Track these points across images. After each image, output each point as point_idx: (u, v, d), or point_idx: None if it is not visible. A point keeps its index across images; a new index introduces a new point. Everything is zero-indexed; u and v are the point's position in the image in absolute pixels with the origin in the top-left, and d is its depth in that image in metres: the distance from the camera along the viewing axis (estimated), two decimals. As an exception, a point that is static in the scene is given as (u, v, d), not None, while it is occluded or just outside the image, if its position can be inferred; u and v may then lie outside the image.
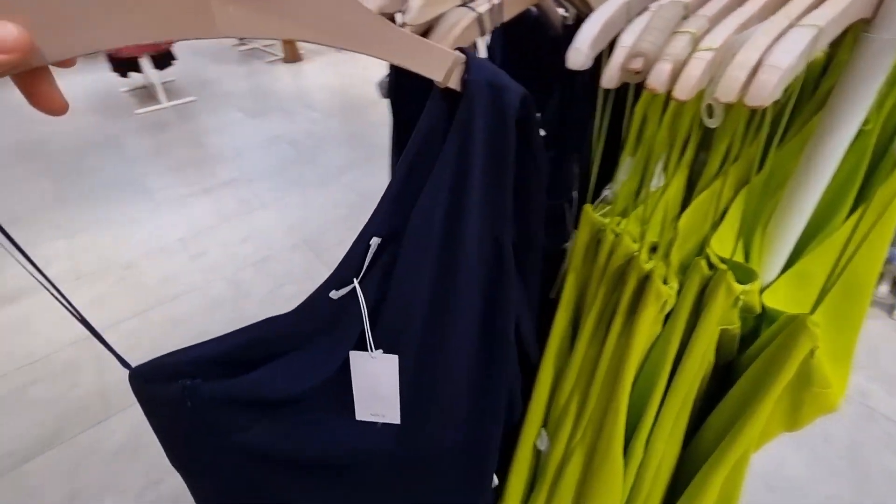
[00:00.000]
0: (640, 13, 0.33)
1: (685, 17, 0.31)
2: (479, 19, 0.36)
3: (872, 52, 0.33)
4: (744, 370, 0.45)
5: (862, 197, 0.42)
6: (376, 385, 0.39)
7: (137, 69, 3.44)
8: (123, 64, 3.39)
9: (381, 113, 3.14)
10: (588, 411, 0.53)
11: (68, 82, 4.10)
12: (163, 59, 3.47)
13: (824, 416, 0.44)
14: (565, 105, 0.56)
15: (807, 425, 0.45)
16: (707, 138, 0.47)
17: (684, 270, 0.46)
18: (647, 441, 0.50)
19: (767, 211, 0.45)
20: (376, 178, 2.45)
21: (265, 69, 4.25)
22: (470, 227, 0.35)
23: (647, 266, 0.41)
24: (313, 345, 0.36)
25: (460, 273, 0.37)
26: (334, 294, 0.34)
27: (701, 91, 0.30)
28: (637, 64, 0.29)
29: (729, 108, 0.42)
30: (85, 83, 4.06)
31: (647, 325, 0.43)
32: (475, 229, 0.36)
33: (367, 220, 0.33)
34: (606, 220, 0.46)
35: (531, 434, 0.63)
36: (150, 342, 1.55)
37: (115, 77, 3.59)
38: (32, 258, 0.29)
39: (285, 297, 1.72)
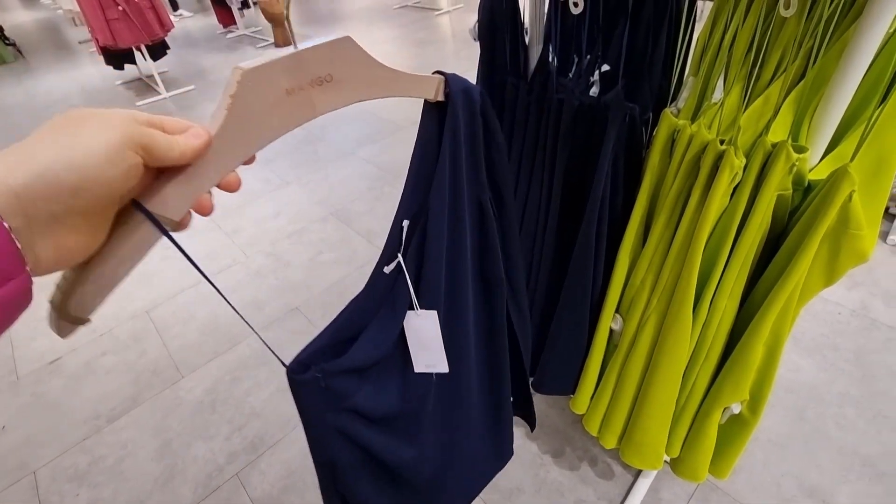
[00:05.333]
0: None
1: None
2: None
3: None
4: (791, 231, 0.57)
5: (889, 94, 0.53)
6: (424, 339, 0.48)
7: (133, 60, 3.44)
8: (118, 56, 3.39)
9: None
10: (662, 283, 0.65)
11: (61, 79, 4.08)
12: (158, 49, 3.47)
13: (857, 264, 0.56)
14: (631, 37, 0.66)
15: (842, 276, 0.57)
16: (763, 54, 0.57)
17: (746, 157, 0.57)
18: (712, 301, 0.62)
19: (812, 107, 0.56)
20: (394, 152, 2.54)
21: (258, 55, 4.24)
22: (465, 197, 0.46)
23: (721, 147, 0.53)
24: (381, 314, 0.46)
25: (461, 234, 0.48)
26: (386, 269, 0.44)
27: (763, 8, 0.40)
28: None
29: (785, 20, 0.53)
30: (79, 78, 4.04)
31: (720, 195, 0.55)
32: (467, 198, 0.47)
33: (396, 208, 0.44)
34: (682, 122, 0.57)
35: (607, 319, 0.75)
36: (206, 311, 1.65)
37: (108, 72, 3.57)
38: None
39: (324, 263, 1.82)
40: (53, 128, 0.22)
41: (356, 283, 1.72)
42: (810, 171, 0.56)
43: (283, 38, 4.36)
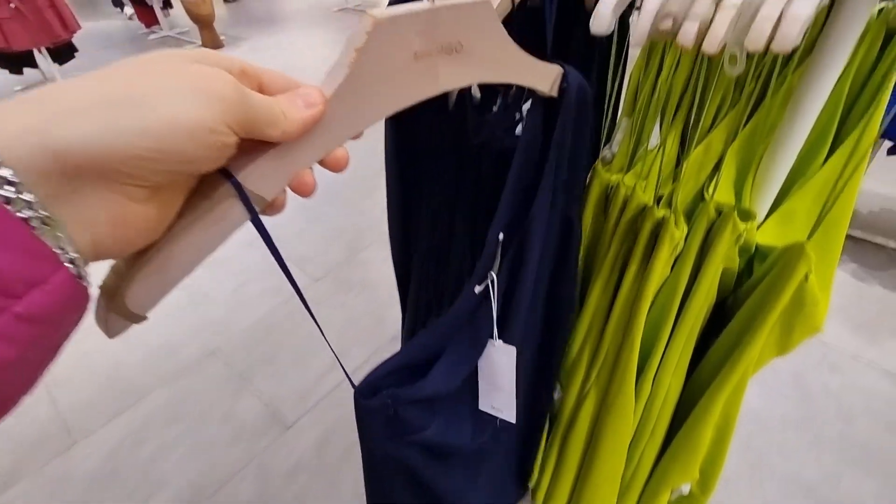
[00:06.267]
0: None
1: (703, -22, 0.33)
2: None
3: (848, 9, 0.37)
4: (740, 304, 0.51)
5: (837, 142, 0.47)
6: (497, 376, 0.42)
7: (33, 64, 3.08)
8: (15, 60, 3.02)
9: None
10: (602, 355, 0.57)
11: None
12: (63, 52, 3.13)
13: (811, 337, 0.50)
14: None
15: (796, 348, 0.51)
16: (701, 97, 0.50)
17: (687, 218, 0.50)
18: (655, 377, 0.55)
19: (756, 158, 0.49)
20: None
21: (185, 58, 3.95)
22: (556, 212, 0.41)
23: (659, 213, 0.45)
24: (459, 340, 0.41)
25: (546, 258, 0.43)
26: (477, 289, 0.39)
27: (695, 49, 0.33)
28: (667, 24, 0.31)
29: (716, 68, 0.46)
30: (-29, 84, 3.59)
31: (661, 267, 0.47)
32: (556, 212, 0.41)
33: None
34: (616, 177, 0.49)
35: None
36: (105, 359, 1.44)
37: (3, 76, 3.18)
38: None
39: (249, 295, 1.65)
40: (130, 74, 0.17)
41: (287, 317, 1.56)
42: (757, 228, 0.50)
43: (211, 40, 4.07)
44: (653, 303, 0.52)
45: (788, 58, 0.47)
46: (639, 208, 0.47)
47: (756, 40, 0.29)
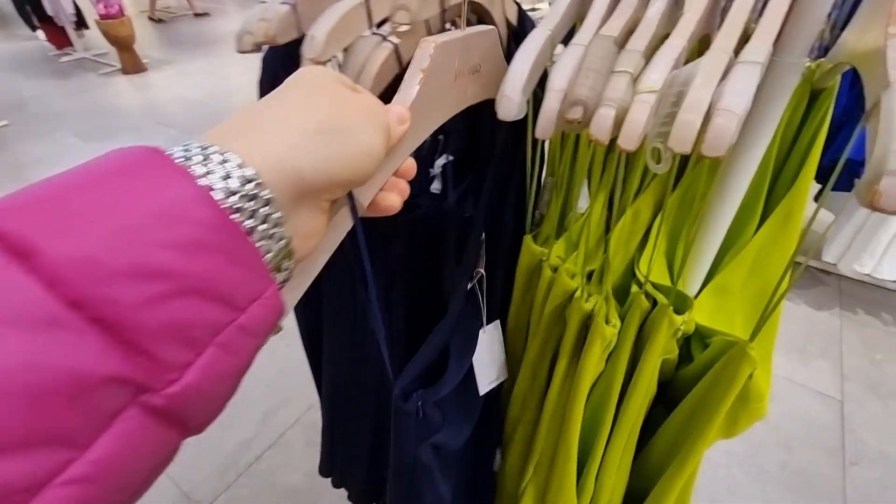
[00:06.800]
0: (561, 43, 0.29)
1: (618, 53, 0.27)
2: (397, 51, 0.30)
3: (778, 74, 0.33)
4: (681, 388, 0.45)
5: (768, 209, 0.43)
6: (489, 353, 0.47)
7: (-83, 90, 2.72)
8: None
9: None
10: (537, 450, 0.50)
11: None
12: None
13: (757, 422, 0.45)
14: (474, 123, 0.51)
15: (742, 433, 0.47)
16: (627, 158, 0.46)
17: (618, 294, 0.44)
18: (597, 476, 0.48)
19: (686, 226, 0.45)
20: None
21: (101, 82, 3.66)
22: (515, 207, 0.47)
23: (588, 306, 0.38)
24: (457, 337, 0.44)
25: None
26: (469, 285, 0.44)
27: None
28: (576, 113, 0.24)
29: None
30: None
31: (593, 365, 0.41)
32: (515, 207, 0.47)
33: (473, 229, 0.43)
34: (543, 251, 0.42)
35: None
36: None
37: None
38: None
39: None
40: (323, 102, 0.20)
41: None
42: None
43: (131, 63, 3.80)
44: (589, 395, 0.46)
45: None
46: (566, 295, 0.40)
47: (681, 140, 0.23)
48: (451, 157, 0.57)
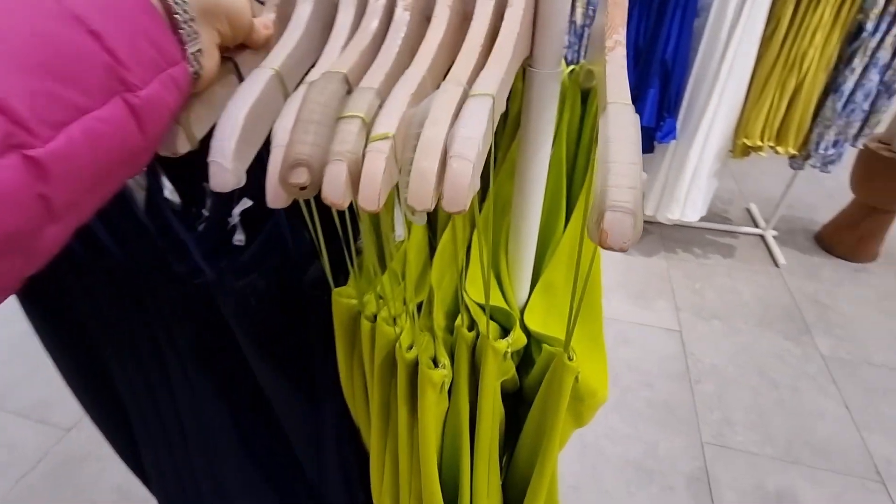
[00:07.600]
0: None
1: (348, 93, 0.23)
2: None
3: (539, 83, 0.33)
4: (529, 395, 0.45)
5: (570, 202, 0.45)
6: None
7: None
8: None
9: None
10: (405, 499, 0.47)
11: None
12: None
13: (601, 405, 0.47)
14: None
15: (591, 419, 0.49)
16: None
17: (452, 318, 0.42)
18: None
19: (503, 234, 0.45)
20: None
21: None
22: None
23: (411, 355, 0.35)
24: None
25: None
26: None
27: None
28: (300, 177, 0.20)
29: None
30: None
31: (432, 409, 0.38)
32: None
33: None
34: (354, 304, 0.38)
35: None
36: None
37: None
38: None
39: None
40: None
41: None
42: (522, 312, 0.45)
43: None
44: (443, 432, 0.43)
45: (502, 131, 0.43)
46: (390, 345, 0.37)
47: (420, 197, 0.20)
48: (250, 203, 0.51)
